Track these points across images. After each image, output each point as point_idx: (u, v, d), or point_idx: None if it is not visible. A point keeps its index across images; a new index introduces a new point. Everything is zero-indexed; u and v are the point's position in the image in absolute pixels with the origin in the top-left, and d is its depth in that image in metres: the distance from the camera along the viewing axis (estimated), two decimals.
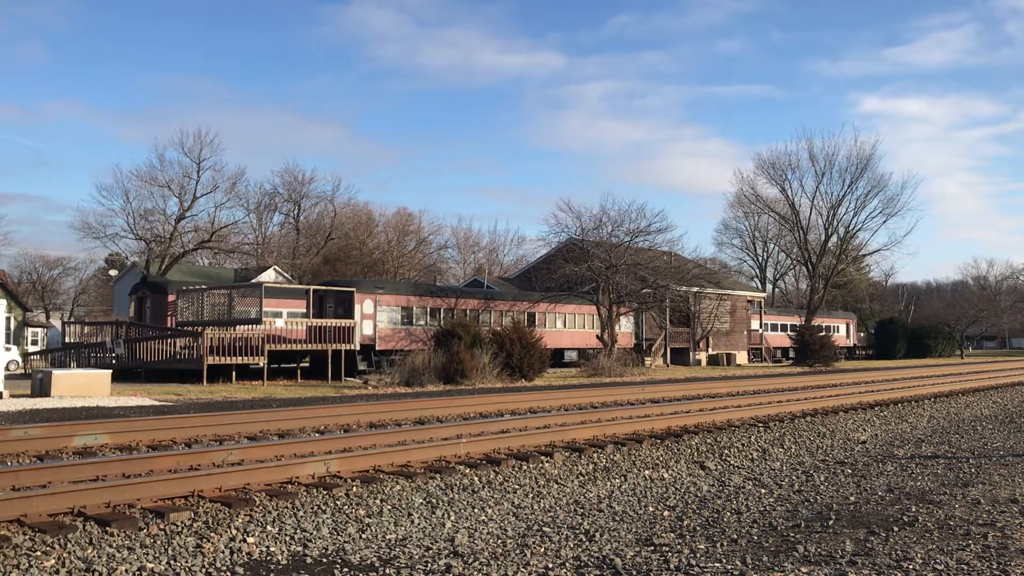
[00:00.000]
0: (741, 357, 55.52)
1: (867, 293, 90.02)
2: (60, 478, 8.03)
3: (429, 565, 6.31)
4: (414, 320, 34.80)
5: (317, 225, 68.73)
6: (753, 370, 45.39)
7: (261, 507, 7.49)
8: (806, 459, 12.07)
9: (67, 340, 34.84)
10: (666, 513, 8.27)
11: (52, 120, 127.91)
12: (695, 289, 48.18)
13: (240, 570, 6.13)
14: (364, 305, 32.70)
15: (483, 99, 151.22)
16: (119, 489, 7.31)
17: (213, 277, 49.79)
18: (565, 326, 41.89)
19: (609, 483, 9.79)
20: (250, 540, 6.73)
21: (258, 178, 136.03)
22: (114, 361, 29.58)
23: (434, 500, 8.29)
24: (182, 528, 6.79)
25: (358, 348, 31.95)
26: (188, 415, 14.21)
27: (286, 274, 57.05)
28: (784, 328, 63.05)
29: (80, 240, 72.50)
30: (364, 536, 7.19)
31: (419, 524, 7.64)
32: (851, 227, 63.87)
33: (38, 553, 6.05)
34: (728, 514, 8.16)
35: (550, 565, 6.28)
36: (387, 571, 6.19)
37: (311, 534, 7.06)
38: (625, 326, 43.70)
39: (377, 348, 32.82)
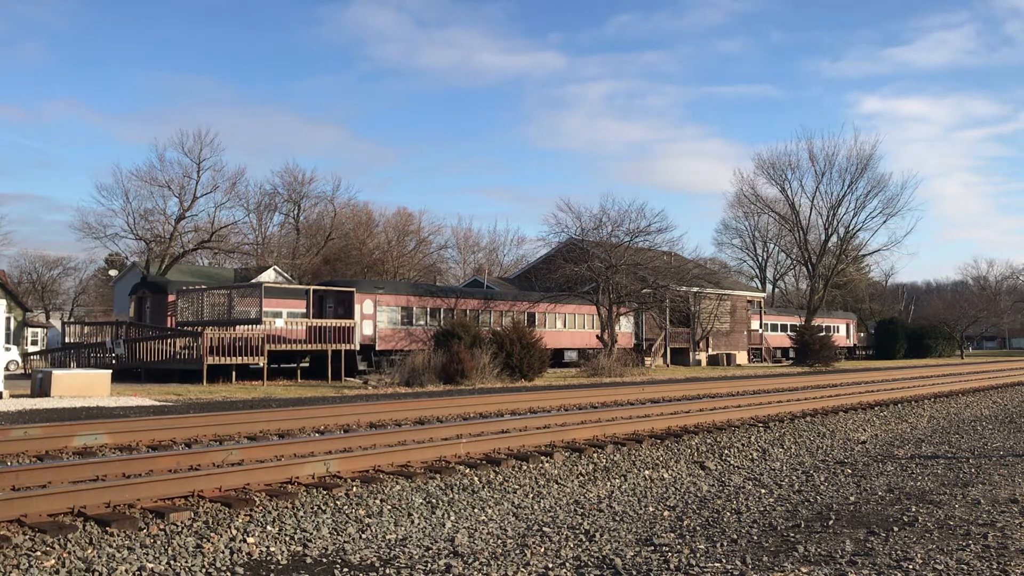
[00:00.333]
0: (741, 357, 55.52)
1: (867, 293, 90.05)
2: (60, 478, 8.03)
3: (429, 565, 6.31)
4: (414, 320, 34.80)
5: (317, 225, 68.75)
6: (753, 370, 45.39)
7: (261, 507, 7.49)
8: (806, 459, 12.07)
9: (67, 340, 34.84)
10: (666, 513, 8.27)
11: (52, 120, 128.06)
12: (695, 289, 48.18)
13: (240, 570, 6.13)
14: (364, 305, 32.70)
15: (483, 99, 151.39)
16: (119, 489, 7.31)
17: (213, 277, 49.82)
18: (565, 326, 41.90)
19: (609, 483, 9.79)
20: (250, 540, 6.73)
21: (258, 178, 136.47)
22: (114, 361, 29.57)
23: (434, 500, 8.29)
24: (182, 528, 6.79)
25: (358, 348, 31.94)
26: (188, 415, 14.21)
27: (286, 274, 57.05)
28: (784, 328, 63.06)
29: (80, 240, 72.64)
30: (364, 536, 7.19)
31: (419, 524, 7.64)
32: (851, 227, 63.99)
33: (38, 553, 6.05)
34: (728, 514, 8.16)
35: (550, 565, 6.28)
36: (387, 571, 6.18)
37: (311, 534, 7.06)
38: (625, 326, 43.70)
39: (377, 348, 32.82)
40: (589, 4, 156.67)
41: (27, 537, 6.29)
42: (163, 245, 53.76)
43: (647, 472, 10.44)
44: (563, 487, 9.40)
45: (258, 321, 29.11)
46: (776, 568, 6.06)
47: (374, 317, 33.03)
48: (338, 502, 7.88)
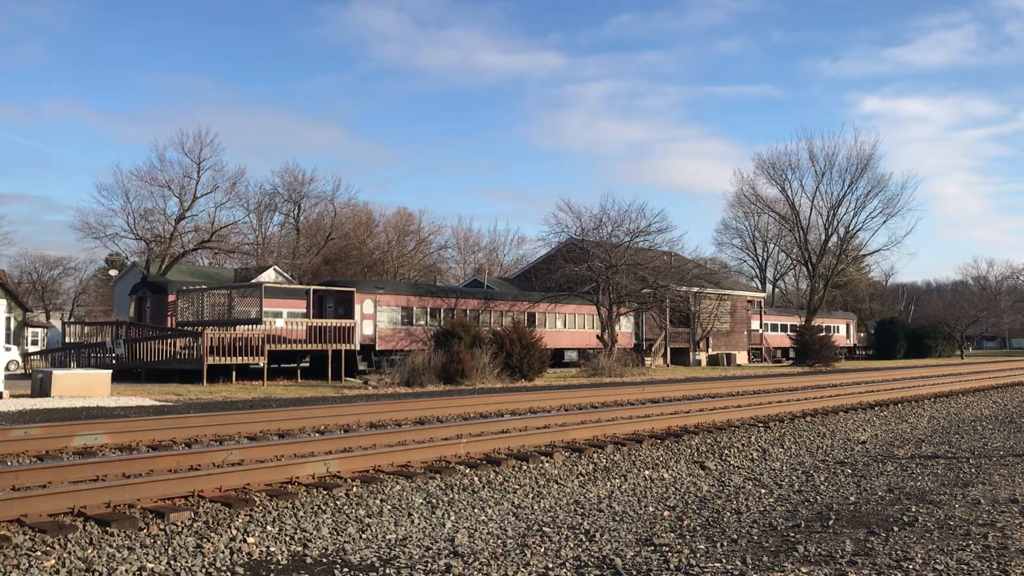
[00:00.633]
0: (741, 357, 55.52)
1: (867, 293, 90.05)
2: (60, 478, 8.03)
3: (429, 565, 6.31)
4: (414, 320, 34.80)
5: (317, 225, 68.77)
6: (753, 370, 45.39)
7: (261, 507, 7.49)
8: (806, 459, 12.07)
9: (67, 340, 34.83)
10: (666, 513, 8.27)
11: (52, 120, 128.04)
12: (695, 289, 48.18)
13: (240, 570, 6.13)
14: (364, 305, 32.70)
15: (483, 99, 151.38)
16: (119, 489, 7.31)
17: (213, 277, 49.82)
18: (565, 326, 41.90)
19: (609, 483, 9.79)
20: (250, 540, 6.73)
21: (258, 178, 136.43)
22: (114, 361, 29.57)
23: (434, 500, 8.29)
24: (182, 528, 6.79)
25: (358, 348, 31.94)
26: (188, 415, 14.21)
27: (286, 274, 57.07)
28: (784, 328, 63.06)
29: (80, 240, 72.66)
30: (364, 536, 7.19)
31: (419, 524, 7.64)
32: (851, 227, 64.00)
33: (38, 553, 6.05)
34: (728, 514, 8.16)
35: (550, 565, 6.28)
36: (387, 571, 6.19)
37: (311, 534, 7.06)
38: (625, 326, 43.70)
39: (377, 348, 32.82)
40: (589, 4, 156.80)
41: (27, 537, 6.29)
42: (163, 245, 53.77)
43: (647, 472, 10.44)
44: (563, 487, 9.40)
45: (258, 321, 29.11)
46: (776, 568, 6.06)
47: (374, 317, 33.03)
48: (338, 502, 7.88)
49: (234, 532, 6.84)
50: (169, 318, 33.47)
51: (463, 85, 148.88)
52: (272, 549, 6.65)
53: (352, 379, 30.04)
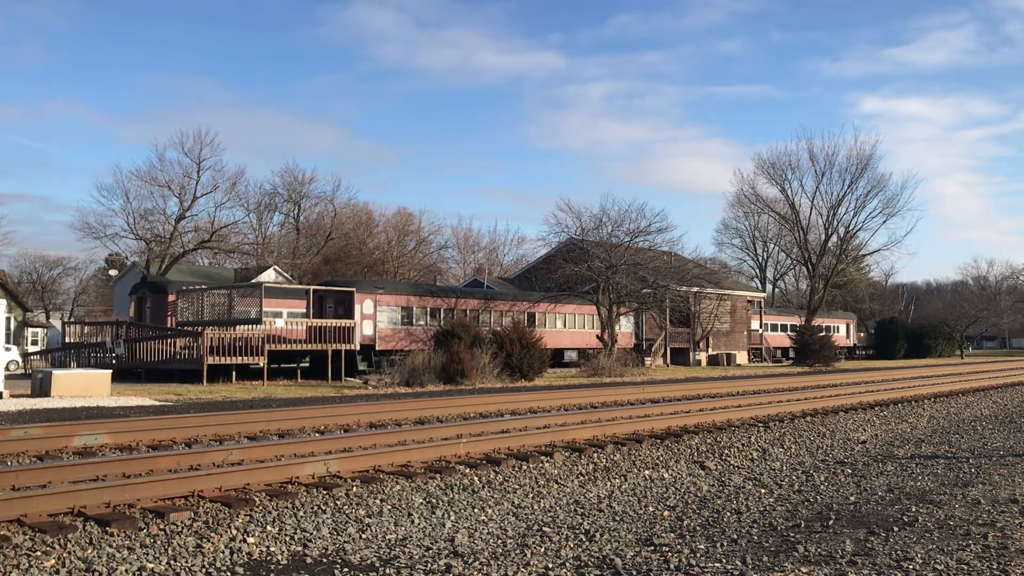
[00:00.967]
0: (741, 357, 55.52)
1: (867, 293, 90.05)
2: (60, 478, 8.03)
3: (429, 565, 6.31)
4: (414, 320, 34.80)
5: (317, 225, 68.77)
6: (753, 370, 45.38)
7: (261, 507, 7.49)
8: (806, 459, 12.07)
9: (67, 340, 34.82)
10: (666, 513, 8.27)
11: (52, 120, 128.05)
12: (695, 289, 48.18)
13: (240, 570, 6.13)
14: (364, 305, 32.70)
15: (483, 99, 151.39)
16: (119, 489, 7.31)
17: (213, 277, 49.82)
18: (565, 326, 41.89)
19: (609, 483, 9.79)
20: (250, 540, 6.73)
21: (258, 178, 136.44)
22: (114, 361, 29.57)
23: (434, 500, 8.29)
24: (182, 528, 6.79)
25: (358, 348, 31.94)
26: (188, 415, 14.21)
27: (286, 274, 57.07)
28: (784, 328, 63.05)
29: (80, 240, 72.64)
30: (364, 536, 7.19)
31: (419, 524, 7.64)
32: (851, 227, 64.00)
33: (38, 553, 6.05)
34: (728, 514, 8.16)
35: (550, 565, 6.28)
36: (387, 571, 6.18)
37: (311, 534, 7.06)
38: (625, 326, 43.70)
39: (377, 348, 32.82)
40: (589, 4, 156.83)
41: (27, 537, 6.29)
42: (163, 245, 53.77)
43: (647, 472, 10.44)
44: (563, 487, 9.40)
45: (258, 321, 29.11)
46: (776, 568, 6.06)
47: (374, 317, 33.03)
48: (338, 502, 7.88)
49: (234, 532, 6.84)
50: (169, 318, 33.48)
51: (463, 85, 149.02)
52: (272, 549, 6.65)
53: (352, 379, 30.03)
